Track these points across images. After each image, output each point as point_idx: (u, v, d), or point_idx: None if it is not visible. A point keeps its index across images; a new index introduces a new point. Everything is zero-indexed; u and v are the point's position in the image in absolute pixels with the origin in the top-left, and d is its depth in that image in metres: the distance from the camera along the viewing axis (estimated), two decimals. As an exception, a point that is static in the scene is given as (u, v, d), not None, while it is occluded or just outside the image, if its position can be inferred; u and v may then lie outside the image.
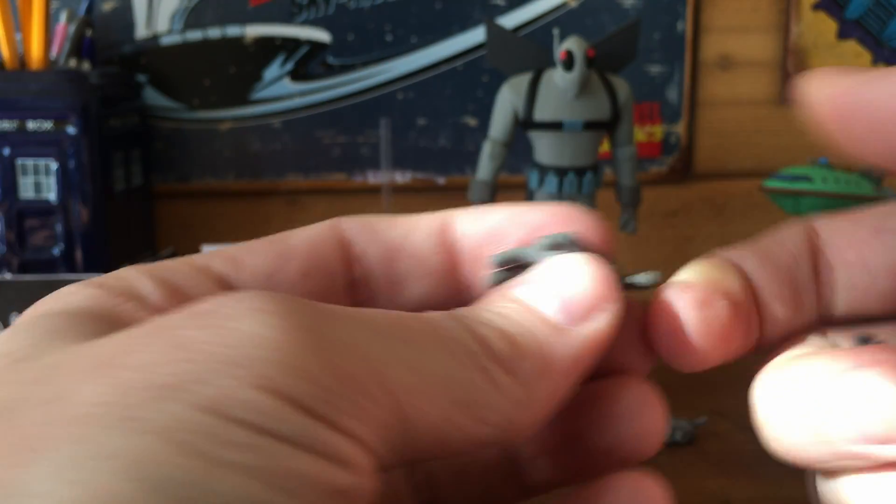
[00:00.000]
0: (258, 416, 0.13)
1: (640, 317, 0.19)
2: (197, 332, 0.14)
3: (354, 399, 0.14)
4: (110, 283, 0.17)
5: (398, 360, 0.15)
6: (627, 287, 0.19)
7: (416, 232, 0.21)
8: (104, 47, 0.88)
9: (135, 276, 0.17)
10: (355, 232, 0.20)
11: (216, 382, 0.13)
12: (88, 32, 0.83)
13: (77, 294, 0.16)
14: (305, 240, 0.20)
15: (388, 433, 0.14)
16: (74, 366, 0.14)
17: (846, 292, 0.19)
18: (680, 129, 0.94)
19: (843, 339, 0.19)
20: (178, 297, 0.17)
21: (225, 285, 0.19)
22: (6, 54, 0.76)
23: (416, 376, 0.15)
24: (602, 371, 0.19)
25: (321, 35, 0.90)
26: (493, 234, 0.20)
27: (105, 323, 0.16)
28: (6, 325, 0.67)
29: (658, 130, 0.94)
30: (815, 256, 0.20)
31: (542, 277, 0.18)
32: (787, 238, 0.20)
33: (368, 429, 0.14)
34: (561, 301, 0.17)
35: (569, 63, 0.68)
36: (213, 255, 0.19)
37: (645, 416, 0.19)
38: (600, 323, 0.17)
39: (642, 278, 0.20)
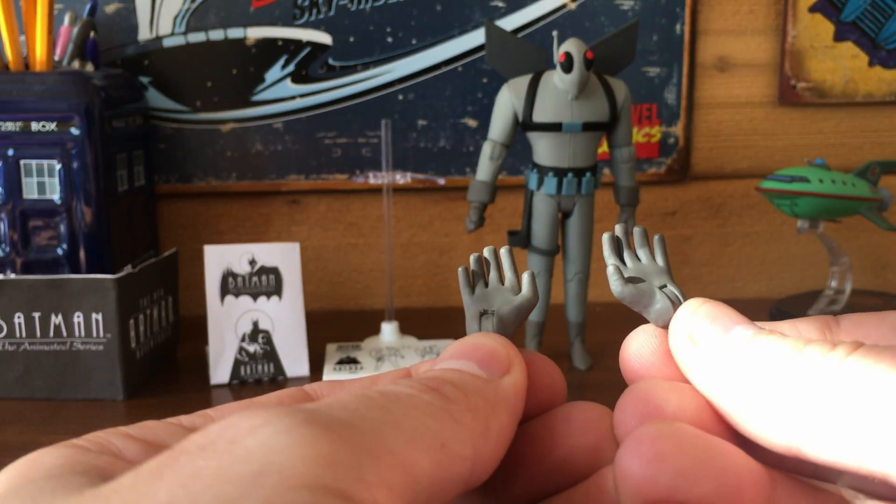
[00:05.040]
0: None
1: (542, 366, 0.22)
2: (208, 461, 0.14)
3: (376, 469, 0.15)
4: (81, 443, 0.17)
5: (389, 426, 0.16)
6: None
7: (382, 378, 0.23)
8: (107, 49, 0.89)
9: (105, 436, 0.18)
10: (323, 387, 0.23)
11: (254, 495, 0.13)
12: (92, 34, 0.83)
13: (51, 454, 0.17)
14: (273, 395, 0.22)
15: (403, 491, 0.15)
16: None
17: None
18: (678, 130, 0.95)
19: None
20: (153, 449, 0.18)
21: None
22: (10, 56, 0.77)
23: (405, 434, 0.16)
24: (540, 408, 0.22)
25: (322, 37, 0.91)
26: None
27: (89, 477, 0.15)
28: (10, 324, 0.68)
29: (656, 131, 0.95)
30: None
31: (452, 351, 0.21)
32: (799, 324, 0.21)
33: (392, 493, 0.15)
34: (477, 362, 0.20)
35: (568, 65, 0.68)
36: (181, 416, 0.20)
37: (593, 428, 0.21)
38: (517, 375, 0.20)
39: None
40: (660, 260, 0.24)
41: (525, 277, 0.24)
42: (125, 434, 0.18)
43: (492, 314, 0.23)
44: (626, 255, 0.24)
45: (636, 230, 0.24)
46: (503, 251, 0.24)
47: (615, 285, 0.23)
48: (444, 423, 0.17)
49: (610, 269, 0.23)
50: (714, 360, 0.20)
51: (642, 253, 0.24)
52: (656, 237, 0.24)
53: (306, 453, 0.14)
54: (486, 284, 0.24)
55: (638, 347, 0.22)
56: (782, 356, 0.18)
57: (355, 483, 0.14)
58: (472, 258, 0.24)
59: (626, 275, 0.23)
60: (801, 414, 0.17)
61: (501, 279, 0.24)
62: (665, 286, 0.23)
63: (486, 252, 0.24)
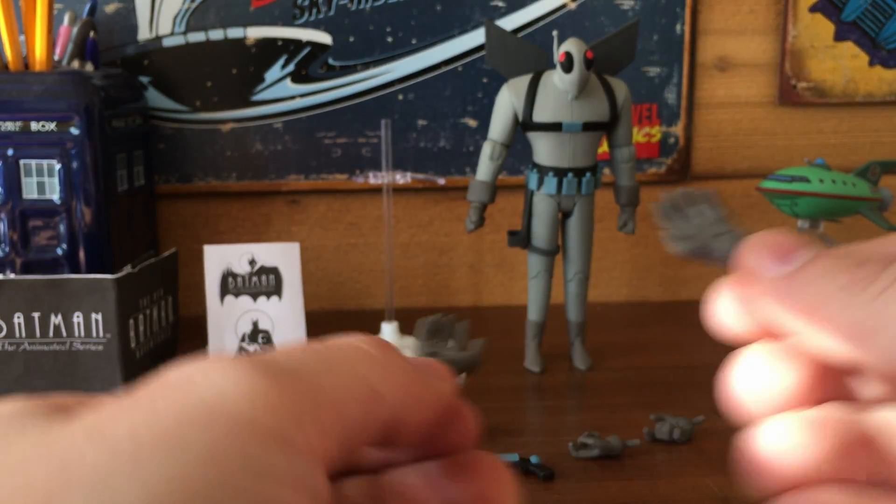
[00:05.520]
0: (251, 460, 0.15)
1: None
2: (166, 401, 0.15)
3: (313, 412, 0.16)
4: (39, 397, 0.18)
5: (327, 373, 0.18)
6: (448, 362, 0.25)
7: None
8: (107, 49, 0.89)
9: (64, 396, 0.19)
10: None
11: (205, 438, 0.14)
12: (91, 34, 0.83)
13: (9, 403, 0.17)
14: None
15: (334, 430, 0.17)
16: (64, 440, 0.15)
17: None
18: (678, 130, 0.95)
19: None
20: None
21: None
22: (10, 56, 0.77)
23: (341, 380, 0.18)
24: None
25: (322, 37, 0.91)
26: None
27: (48, 416, 0.16)
28: (9, 324, 0.68)
29: (656, 131, 0.95)
30: None
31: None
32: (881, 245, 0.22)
33: (324, 433, 0.16)
34: (418, 362, 0.22)
35: (568, 64, 0.68)
36: None
37: (486, 477, 0.22)
38: (448, 387, 0.22)
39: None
40: (713, 212, 0.24)
41: (478, 342, 0.26)
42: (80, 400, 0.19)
43: (440, 356, 0.25)
44: (679, 217, 0.25)
45: (680, 192, 0.25)
46: (461, 326, 0.26)
47: (674, 245, 0.23)
48: (376, 371, 0.19)
49: (666, 234, 0.24)
50: (776, 285, 0.21)
51: (694, 210, 0.25)
52: (705, 192, 0.25)
53: (254, 400, 0.16)
54: (445, 341, 0.26)
55: (721, 308, 0.23)
56: (838, 274, 0.20)
57: (294, 426, 0.16)
58: (432, 319, 0.26)
59: (681, 234, 0.24)
60: (858, 330, 0.19)
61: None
62: (725, 233, 0.23)
63: (444, 318, 0.27)
